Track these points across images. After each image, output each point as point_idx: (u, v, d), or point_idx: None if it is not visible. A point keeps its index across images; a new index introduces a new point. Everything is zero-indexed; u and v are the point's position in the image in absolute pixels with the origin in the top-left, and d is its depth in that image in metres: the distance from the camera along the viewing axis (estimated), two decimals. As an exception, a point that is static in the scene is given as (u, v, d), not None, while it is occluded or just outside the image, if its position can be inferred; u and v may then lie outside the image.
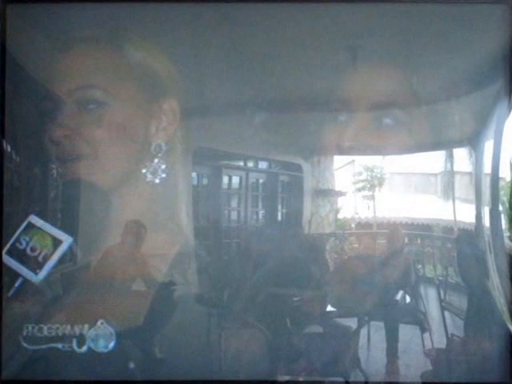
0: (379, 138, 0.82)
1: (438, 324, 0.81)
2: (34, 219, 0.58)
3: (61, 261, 0.69)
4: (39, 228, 0.58)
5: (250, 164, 0.88)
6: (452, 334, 0.79)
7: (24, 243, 0.58)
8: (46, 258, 0.58)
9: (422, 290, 0.82)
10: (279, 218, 0.86)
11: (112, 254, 0.74)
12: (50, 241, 0.58)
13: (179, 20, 0.79)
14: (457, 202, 0.82)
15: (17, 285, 0.59)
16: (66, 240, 0.59)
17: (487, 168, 0.80)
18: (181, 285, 0.77)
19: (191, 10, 0.78)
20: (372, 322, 0.80)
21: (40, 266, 0.58)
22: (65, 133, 0.72)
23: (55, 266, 0.59)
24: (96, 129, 0.73)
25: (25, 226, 0.58)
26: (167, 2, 0.78)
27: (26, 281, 0.58)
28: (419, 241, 0.84)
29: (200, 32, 0.79)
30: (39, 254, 0.58)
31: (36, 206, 0.65)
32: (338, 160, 0.85)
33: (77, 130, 0.72)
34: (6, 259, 0.58)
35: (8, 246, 0.58)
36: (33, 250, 0.58)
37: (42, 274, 0.58)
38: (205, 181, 0.85)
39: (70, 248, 0.60)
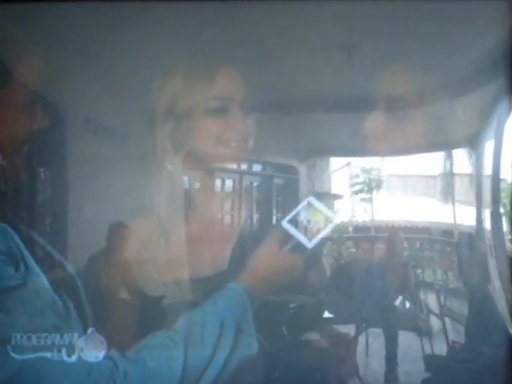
0: (376, 139, 0.81)
1: (438, 330, 0.79)
2: (312, 200, 0.74)
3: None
4: (316, 207, 0.74)
5: (244, 167, 0.87)
6: (452, 341, 0.78)
7: (303, 216, 0.74)
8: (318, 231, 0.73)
9: (421, 295, 0.82)
10: (274, 222, 0.85)
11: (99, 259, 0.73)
12: (322, 218, 0.73)
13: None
14: (457, 204, 0.82)
15: (291, 245, 0.73)
16: (334, 219, 0.74)
17: (487, 169, 0.79)
18: (173, 291, 0.75)
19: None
20: (370, 329, 0.79)
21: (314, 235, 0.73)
22: None
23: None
24: None
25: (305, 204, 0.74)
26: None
27: (299, 243, 0.73)
28: (418, 244, 0.84)
29: (196, 31, 0.77)
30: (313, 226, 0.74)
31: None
32: (335, 162, 0.84)
33: None
34: (287, 225, 0.73)
35: (290, 216, 0.74)
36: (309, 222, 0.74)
37: (313, 241, 0.73)
38: (197, 184, 0.84)
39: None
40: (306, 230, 0.73)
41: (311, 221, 0.73)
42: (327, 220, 0.73)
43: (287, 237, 0.73)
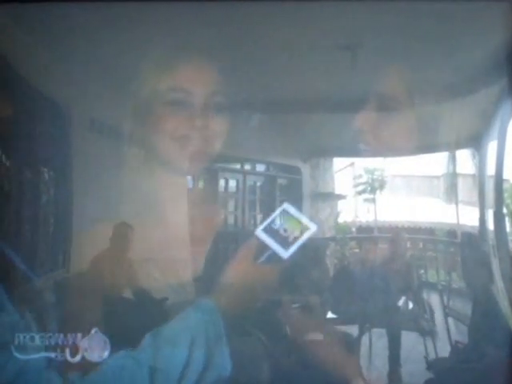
0: (380, 139, 0.80)
1: (441, 330, 0.79)
2: (287, 206, 0.71)
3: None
4: (292, 214, 0.71)
5: (248, 167, 0.87)
6: (456, 341, 0.78)
7: (278, 224, 0.71)
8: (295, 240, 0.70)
9: (424, 295, 0.81)
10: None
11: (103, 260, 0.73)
12: (298, 226, 0.70)
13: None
14: (460, 204, 0.81)
15: (266, 256, 0.70)
16: (313, 227, 0.70)
17: (491, 170, 0.79)
18: (176, 291, 0.75)
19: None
20: (374, 329, 0.78)
21: (290, 244, 0.70)
22: None
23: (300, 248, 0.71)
24: None
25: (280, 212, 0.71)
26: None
27: (274, 254, 0.70)
28: (421, 245, 0.83)
29: (199, 31, 0.77)
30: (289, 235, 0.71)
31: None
32: (338, 162, 0.84)
33: None
34: (262, 235, 0.70)
35: (264, 224, 0.71)
36: (285, 230, 0.71)
37: (290, 251, 0.69)
38: (201, 184, 0.84)
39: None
40: (282, 239, 0.70)
41: (287, 229, 0.70)
42: (304, 228, 0.70)
43: (262, 247, 0.70)
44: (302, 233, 0.69)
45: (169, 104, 0.73)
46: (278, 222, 0.70)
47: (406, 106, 0.80)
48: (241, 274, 0.70)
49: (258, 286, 0.70)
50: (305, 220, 0.70)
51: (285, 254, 0.69)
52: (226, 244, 0.82)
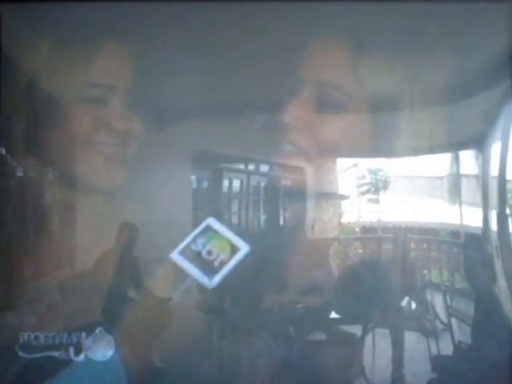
0: (383, 139, 0.81)
1: (445, 330, 0.79)
2: (212, 222, 0.57)
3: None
4: (218, 232, 0.57)
5: (251, 167, 0.87)
6: (459, 341, 0.78)
7: (200, 245, 0.57)
8: (221, 264, 0.57)
9: (428, 295, 0.81)
10: (281, 222, 0.84)
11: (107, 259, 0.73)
12: (227, 246, 0.57)
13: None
14: (463, 205, 0.82)
15: (184, 287, 0.58)
16: (244, 248, 0.57)
17: (494, 170, 0.79)
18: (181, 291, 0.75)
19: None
20: (377, 329, 0.78)
21: (216, 270, 0.56)
22: None
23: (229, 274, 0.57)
24: None
25: (202, 229, 0.57)
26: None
27: (196, 283, 0.57)
28: (425, 245, 0.83)
29: (199, 31, 0.77)
30: (215, 258, 0.57)
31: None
32: (342, 163, 0.84)
33: None
34: (178, 259, 0.57)
35: (181, 246, 0.57)
36: (209, 253, 0.57)
37: (216, 279, 0.56)
38: (205, 184, 0.84)
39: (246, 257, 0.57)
40: (204, 264, 0.57)
41: (212, 251, 0.57)
42: (234, 249, 0.57)
43: (178, 275, 0.57)
44: (231, 255, 0.57)
45: (84, 101, 0.64)
46: (199, 241, 0.58)
47: (409, 108, 0.80)
48: (151, 314, 0.58)
49: (175, 326, 0.58)
50: (234, 239, 0.58)
51: (209, 283, 0.56)
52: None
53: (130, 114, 0.65)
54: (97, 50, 0.67)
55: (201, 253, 0.58)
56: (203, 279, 0.57)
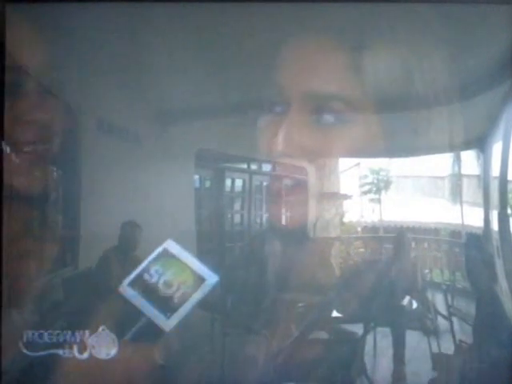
0: (385, 139, 0.81)
1: (446, 330, 0.80)
2: (170, 245, 0.43)
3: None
4: (177, 258, 0.44)
5: (254, 167, 0.87)
6: (460, 340, 0.78)
7: (155, 275, 0.45)
8: (182, 299, 0.45)
9: (429, 295, 0.81)
10: (283, 221, 0.84)
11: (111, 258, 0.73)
12: (189, 276, 0.44)
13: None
14: (464, 205, 0.82)
15: (137, 327, 0.46)
16: (212, 279, 0.44)
17: (495, 171, 0.80)
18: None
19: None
20: (378, 328, 0.79)
21: (176, 307, 0.45)
22: None
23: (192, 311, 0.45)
24: None
25: (158, 254, 0.45)
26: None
27: (151, 324, 0.45)
28: (426, 245, 0.83)
29: (200, 32, 0.78)
30: (174, 292, 0.45)
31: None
32: (344, 162, 0.84)
33: None
34: (128, 292, 0.45)
35: (133, 276, 0.45)
36: (166, 285, 0.46)
37: (175, 319, 0.44)
38: (207, 183, 0.84)
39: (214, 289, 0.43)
40: (161, 300, 0.45)
41: (171, 282, 0.46)
42: (198, 279, 0.45)
43: (130, 312, 0.45)
44: (194, 288, 0.45)
45: None
46: (154, 270, 0.45)
47: (411, 108, 0.80)
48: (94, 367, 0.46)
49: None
50: (199, 267, 0.45)
51: (166, 323, 0.44)
52: (232, 243, 0.83)
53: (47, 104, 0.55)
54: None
55: (157, 284, 0.47)
56: (159, 318, 0.46)
